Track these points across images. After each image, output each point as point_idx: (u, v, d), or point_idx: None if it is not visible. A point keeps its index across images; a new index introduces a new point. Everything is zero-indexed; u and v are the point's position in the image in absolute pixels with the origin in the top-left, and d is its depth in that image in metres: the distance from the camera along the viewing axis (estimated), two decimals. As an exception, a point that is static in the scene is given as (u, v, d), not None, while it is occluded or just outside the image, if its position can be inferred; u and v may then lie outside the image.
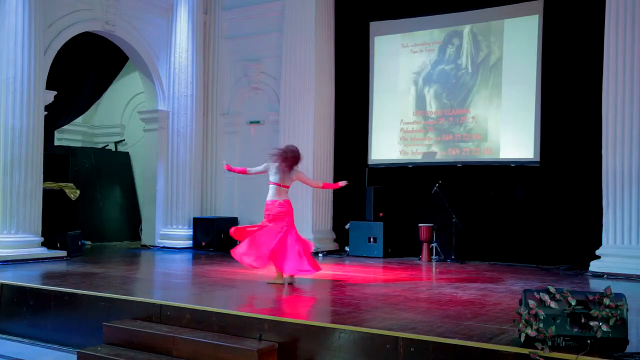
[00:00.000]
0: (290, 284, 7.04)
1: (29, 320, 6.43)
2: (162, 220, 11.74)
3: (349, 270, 8.69)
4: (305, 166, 10.76)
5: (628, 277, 7.90)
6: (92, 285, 6.59)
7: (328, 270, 8.69)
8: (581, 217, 9.13)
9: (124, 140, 14.84)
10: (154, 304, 5.65)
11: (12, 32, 8.89)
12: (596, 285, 7.43)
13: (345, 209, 11.18)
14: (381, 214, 10.56)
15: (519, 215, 9.79)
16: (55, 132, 12.53)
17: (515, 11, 9.94)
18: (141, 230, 12.41)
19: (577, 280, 7.85)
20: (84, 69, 11.84)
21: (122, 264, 9.31)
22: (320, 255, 10.49)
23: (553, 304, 3.98)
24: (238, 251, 7.09)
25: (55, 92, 9.96)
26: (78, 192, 10.92)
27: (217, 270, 8.33)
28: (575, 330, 3.94)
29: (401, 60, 10.97)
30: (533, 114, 9.70)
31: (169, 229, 11.62)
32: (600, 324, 3.87)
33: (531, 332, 3.94)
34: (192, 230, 11.52)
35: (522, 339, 4.03)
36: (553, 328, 3.91)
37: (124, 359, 5.02)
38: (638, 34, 8.24)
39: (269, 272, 7.33)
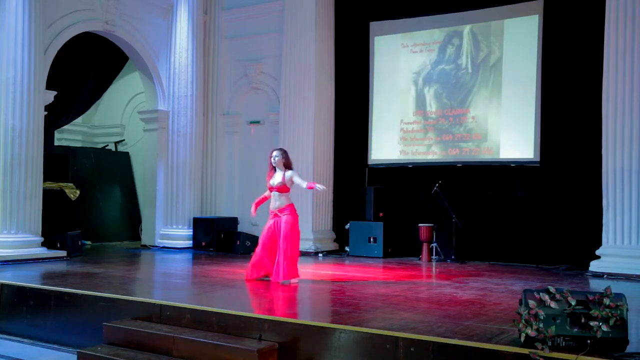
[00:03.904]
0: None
1: (29, 320, 6.43)
2: (162, 220, 11.74)
3: (349, 270, 8.69)
4: (305, 166, 10.84)
5: (628, 277, 7.90)
6: (92, 285, 6.59)
7: (328, 270, 8.70)
8: (581, 217, 9.13)
9: (124, 140, 14.85)
10: (154, 304, 5.65)
11: (12, 32, 8.89)
12: (596, 285, 7.43)
13: (345, 209, 11.18)
14: (381, 214, 10.56)
15: (519, 215, 9.79)
16: (55, 132, 12.53)
17: (515, 11, 9.94)
18: (141, 230, 12.41)
19: (577, 280, 7.84)
20: (84, 69, 11.84)
21: (122, 264, 9.30)
22: (320, 255, 10.51)
23: (553, 304, 3.98)
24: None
25: (55, 92, 9.96)
26: (78, 192, 10.93)
27: (217, 270, 8.33)
28: (575, 330, 3.94)
29: (401, 60, 10.97)
30: (533, 114, 9.70)
31: (169, 229, 11.62)
32: (600, 324, 3.87)
33: (531, 332, 3.94)
34: (192, 230, 11.51)
35: (522, 339, 4.03)
36: (553, 328, 3.91)
37: (124, 359, 5.02)
38: (638, 34, 8.24)
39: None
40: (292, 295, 6.56)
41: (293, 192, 10.64)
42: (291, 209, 7.16)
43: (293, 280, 7.12)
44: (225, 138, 12.34)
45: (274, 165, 7.22)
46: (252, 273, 7.23)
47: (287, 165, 7.22)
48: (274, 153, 7.27)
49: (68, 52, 10.52)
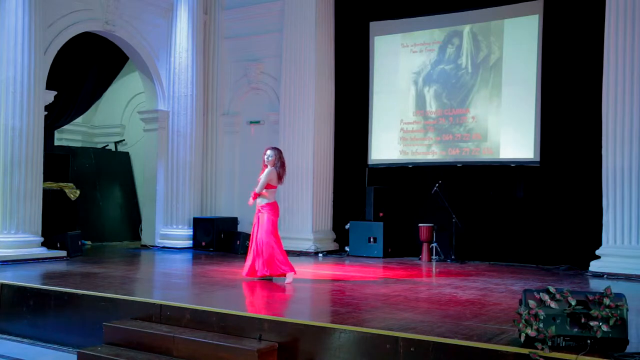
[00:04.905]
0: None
1: (29, 320, 6.43)
2: (162, 220, 11.73)
3: (349, 270, 8.69)
4: (305, 166, 10.84)
5: (628, 277, 7.90)
6: (92, 285, 6.59)
7: (328, 270, 8.70)
8: (581, 217, 9.13)
9: (124, 140, 14.85)
10: (154, 304, 5.65)
11: (12, 32, 8.89)
12: (596, 285, 7.43)
13: (345, 209, 11.18)
14: (381, 214, 10.55)
15: (519, 215, 9.78)
16: (55, 132, 12.54)
17: (515, 11, 9.93)
18: (141, 230, 12.40)
19: (577, 280, 7.85)
20: (84, 68, 11.84)
21: (122, 264, 9.31)
22: (320, 255, 10.50)
23: (553, 304, 3.98)
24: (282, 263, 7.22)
25: (55, 92, 9.96)
26: (78, 192, 10.93)
27: (217, 270, 8.33)
28: (575, 330, 3.94)
29: (401, 60, 10.97)
30: (533, 114, 9.70)
31: (169, 229, 11.62)
32: (600, 324, 3.87)
33: (531, 332, 3.94)
34: (192, 230, 11.51)
35: (522, 339, 4.03)
36: (553, 328, 3.91)
37: (124, 359, 5.02)
38: (638, 34, 8.24)
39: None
40: (293, 295, 6.57)
41: (294, 192, 10.75)
42: (269, 206, 7.24)
43: (288, 279, 7.14)
44: (225, 138, 12.34)
45: (266, 163, 7.29)
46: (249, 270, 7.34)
47: (274, 165, 7.28)
48: (268, 152, 7.36)
49: (68, 52, 10.52)
